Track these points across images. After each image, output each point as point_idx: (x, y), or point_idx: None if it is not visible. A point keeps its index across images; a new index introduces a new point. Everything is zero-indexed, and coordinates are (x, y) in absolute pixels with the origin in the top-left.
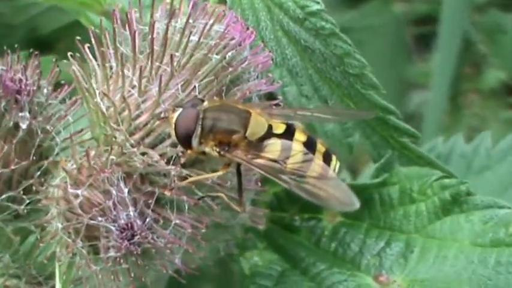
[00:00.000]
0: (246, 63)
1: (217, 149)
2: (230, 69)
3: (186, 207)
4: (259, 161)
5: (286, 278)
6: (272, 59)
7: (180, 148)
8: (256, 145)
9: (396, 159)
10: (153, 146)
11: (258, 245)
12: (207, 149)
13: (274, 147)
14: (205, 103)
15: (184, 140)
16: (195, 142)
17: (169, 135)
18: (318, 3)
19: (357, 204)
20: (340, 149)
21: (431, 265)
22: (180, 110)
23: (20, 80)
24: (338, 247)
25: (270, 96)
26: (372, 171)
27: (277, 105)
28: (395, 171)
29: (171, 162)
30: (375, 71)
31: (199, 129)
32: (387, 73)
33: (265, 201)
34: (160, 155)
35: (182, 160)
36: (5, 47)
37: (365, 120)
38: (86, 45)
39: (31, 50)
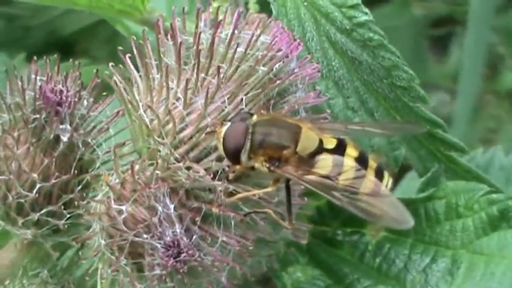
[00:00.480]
0: (294, 75)
1: (267, 165)
2: (277, 81)
3: (232, 224)
4: (310, 177)
5: None
6: (319, 71)
7: (225, 162)
8: (307, 161)
9: (442, 173)
10: (198, 160)
11: (300, 259)
12: (257, 165)
13: (325, 162)
14: (254, 117)
15: (233, 155)
16: (244, 157)
17: (214, 149)
18: (366, 13)
19: (411, 222)
20: (387, 162)
21: (478, 282)
22: (229, 124)
23: (61, 92)
24: (382, 263)
25: (316, 109)
26: (418, 185)
27: (325, 118)
28: (442, 185)
29: (217, 177)
30: None
31: (248, 144)
32: None
33: (307, 215)
34: (206, 170)
35: (230, 175)
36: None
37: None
38: (127, 56)
39: (71, 61)
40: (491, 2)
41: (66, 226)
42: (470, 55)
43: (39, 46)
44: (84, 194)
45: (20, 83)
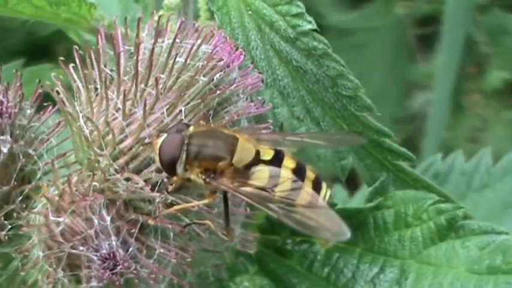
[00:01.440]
0: (235, 85)
1: (203, 176)
2: (218, 91)
3: (172, 235)
4: (246, 188)
5: None
6: (262, 80)
7: (165, 174)
8: (243, 172)
9: (391, 182)
10: (137, 172)
11: (249, 268)
12: (192, 176)
13: (262, 174)
14: (191, 128)
15: (169, 167)
16: (179, 169)
17: (154, 160)
18: (310, 22)
19: (347, 234)
20: (334, 172)
21: None
22: (165, 135)
23: (1, 102)
24: (331, 272)
25: (260, 119)
26: (366, 195)
27: (266, 128)
28: (390, 194)
29: (156, 188)
30: (378, 72)
31: (184, 155)
32: (390, 74)
33: (257, 224)
34: (145, 181)
35: (168, 187)
36: None
37: None
38: (71, 66)
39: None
40: (467, 2)
41: (7, 237)
42: (446, 53)
43: (19, 47)
44: (25, 205)
45: None
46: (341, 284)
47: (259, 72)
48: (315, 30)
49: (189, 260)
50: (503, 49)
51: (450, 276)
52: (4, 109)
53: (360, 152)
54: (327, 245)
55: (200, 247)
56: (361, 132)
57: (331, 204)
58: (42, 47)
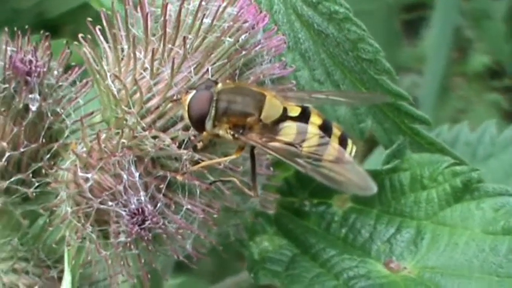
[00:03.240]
0: (260, 46)
1: (232, 132)
2: (243, 52)
3: (198, 192)
4: (274, 144)
5: (297, 263)
6: (285, 43)
7: (192, 132)
8: (271, 128)
9: (407, 145)
10: (164, 130)
11: (268, 230)
12: (221, 132)
13: (289, 130)
14: (219, 85)
15: (198, 123)
16: (208, 125)
17: (181, 119)
18: None
19: (374, 188)
20: (352, 134)
21: (442, 252)
22: (194, 92)
23: (30, 62)
24: (348, 233)
25: (283, 81)
26: (383, 157)
27: (290, 89)
28: (406, 157)
29: (183, 146)
30: None
31: (213, 111)
32: None
33: (275, 186)
34: (172, 139)
35: (197, 144)
36: (15, 29)
37: (377, 106)
38: (97, 27)
39: (42, 32)
40: None
41: (35, 194)
42: (437, 38)
43: (29, 28)
44: (53, 163)
45: None
46: (358, 244)
47: (282, 35)
48: None
49: (215, 216)
50: (486, 34)
51: (465, 237)
52: (33, 68)
53: (378, 115)
54: (344, 207)
55: (223, 206)
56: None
57: None
58: (51, 28)
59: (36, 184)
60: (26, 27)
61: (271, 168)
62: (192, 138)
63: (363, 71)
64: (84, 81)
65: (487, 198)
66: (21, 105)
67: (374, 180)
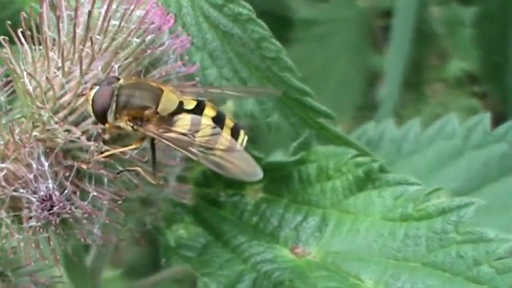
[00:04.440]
0: (165, 46)
1: (131, 124)
2: (149, 51)
3: (106, 181)
4: (169, 134)
5: (209, 249)
6: (193, 43)
7: (101, 126)
8: (167, 120)
9: (314, 138)
10: (76, 124)
11: (185, 219)
12: (122, 124)
13: (183, 121)
14: (121, 81)
15: (101, 115)
16: (110, 117)
17: (91, 114)
18: None
19: (260, 174)
20: (261, 128)
21: (344, 238)
22: (97, 87)
23: None
24: (259, 221)
25: (191, 79)
26: (290, 150)
27: (194, 85)
28: (313, 149)
29: (92, 139)
30: (342, 61)
31: (114, 105)
32: (353, 63)
33: (192, 178)
34: (83, 132)
35: (103, 136)
36: None
37: (283, 101)
38: (19, 30)
39: None
40: None
41: None
42: (395, 46)
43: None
44: None
45: None
46: (268, 231)
47: (189, 36)
48: None
49: (120, 203)
50: (460, 41)
51: (367, 223)
52: None
53: (284, 110)
54: (256, 197)
55: (138, 196)
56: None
57: (252, 153)
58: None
59: None
60: None
61: (184, 162)
62: (101, 131)
63: (268, 68)
64: (5, 80)
65: (387, 187)
66: None
67: (282, 171)
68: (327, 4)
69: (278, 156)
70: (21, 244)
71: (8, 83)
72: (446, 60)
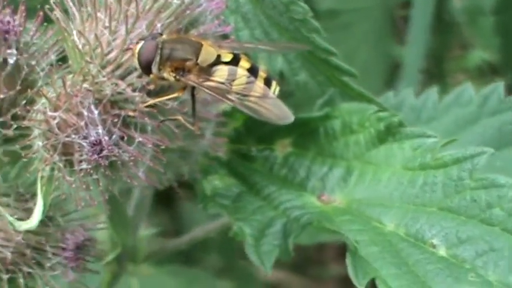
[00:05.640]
0: (202, 7)
1: (174, 74)
2: (188, 11)
3: (149, 129)
4: (209, 83)
5: (242, 198)
6: (226, 6)
7: (145, 79)
8: (207, 70)
9: (339, 96)
10: (122, 78)
11: (220, 171)
12: (165, 75)
13: (221, 72)
14: (164, 36)
15: (146, 67)
16: (154, 69)
17: (135, 69)
18: None
19: (291, 117)
20: (289, 86)
21: (367, 186)
22: (142, 42)
23: (8, 22)
24: (288, 173)
25: (226, 39)
26: (316, 106)
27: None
28: (337, 106)
29: (137, 91)
30: (364, 50)
31: (158, 57)
32: (375, 51)
33: (226, 134)
34: (128, 85)
35: (148, 87)
36: None
37: (310, 60)
38: None
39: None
40: None
41: (14, 135)
42: (414, 38)
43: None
44: (29, 108)
45: None
46: (296, 182)
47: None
48: None
49: (163, 147)
50: (481, 30)
51: (388, 173)
52: (11, 27)
53: (311, 69)
54: (284, 151)
55: (176, 147)
56: (311, 50)
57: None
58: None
59: (15, 126)
60: None
61: (220, 117)
62: (145, 84)
63: (296, 29)
64: (55, 39)
65: (406, 139)
66: (0, 59)
67: (309, 126)
68: None
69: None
70: (73, 185)
71: (57, 42)
72: (469, 50)
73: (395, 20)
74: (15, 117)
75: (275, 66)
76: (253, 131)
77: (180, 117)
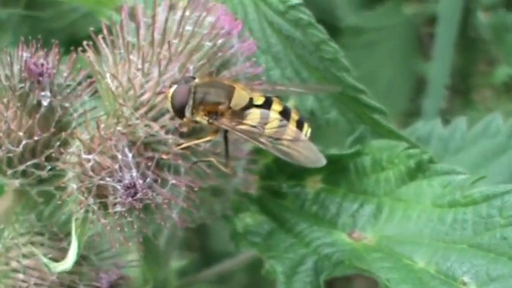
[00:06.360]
0: (234, 49)
1: (207, 118)
2: (220, 54)
3: (182, 171)
4: (241, 127)
5: (274, 235)
6: (257, 46)
7: (177, 121)
8: (239, 114)
9: (369, 133)
10: (155, 120)
11: (251, 208)
12: (198, 118)
13: (254, 115)
14: (197, 80)
15: (179, 111)
16: (187, 112)
17: (168, 111)
18: None
19: (323, 161)
20: (320, 124)
21: (397, 224)
22: (175, 86)
23: (42, 64)
24: (319, 209)
25: (256, 79)
26: (347, 143)
27: (260, 84)
28: (367, 143)
29: (170, 133)
30: (389, 68)
31: (191, 101)
32: (400, 70)
33: (256, 170)
34: (161, 127)
35: (180, 130)
36: (29, 37)
37: (340, 99)
38: (100, 36)
39: (53, 41)
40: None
41: (48, 176)
42: (439, 54)
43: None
44: (62, 150)
45: (8, 58)
46: (327, 218)
47: (255, 40)
48: (300, 4)
49: (196, 190)
50: (507, 46)
51: (418, 210)
52: (45, 70)
53: (341, 107)
54: (315, 187)
55: (208, 185)
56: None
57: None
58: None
59: (49, 167)
60: (39, 36)
61: (250, 155)
62: (178, 126)
63: (326, 69)
64: (89, 81)
65: (436, 176)
66: (35, 101)
67: (340, 163)
68: (374, 12)
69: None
70: (107, 227)
71: (90, 84)
72: (496, 66)
73: (421, 37)
74: (49, 159)
75: (306, 104)
76: (283, 168)
77: (213, 159)
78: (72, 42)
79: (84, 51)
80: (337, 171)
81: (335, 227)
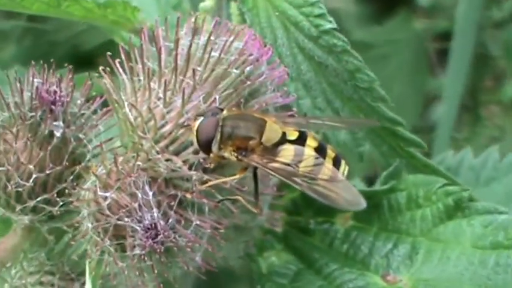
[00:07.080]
0: (263, 77)
1: (235, 154)
2: (248, 82)
3: (207, 210)
4: (273, 164)
5: (301, 276)
6: (288, 74)
7: (201, 155)
8: (271, 150)
9: (404, 167)
10: (177, 153)
11: (276, 246)
12: (226, 154)
13: (287, 152)
14: (225, 112)
15: (205, 146)
16: (214, 148)
17: (192, 143)
18: (331, 22)
19: (363, 204)
20: (352, 158)
21: (435, 266)
22: (201, 118)
23: (55, 92)
24: (349, 249)
25: (286, 109)
26: (381, 179)
27: (291, 116)
28: (403, 178)
29: (193, 168)
30: (398, 83)
31: (218, 135)
32: (409, 85)
33: (282, 205)
34: (184, 161)
35: (205, 165)
36: (41, 62)
37: (374, 131)
38: (117, 61)
39: (66, 65)
40: (474, 20)
41: (60, 212)
42: (454, 69)
43: (64, 60)
44: (76, 184)
45: (18, 84)
46: (359, 258)
47: (285, 67)
48: (335, 29)
49: (222, 231)
50: None
51: (457, 252)
52: (57, 98)
53: (375, 139)
54: (346, 224)
55: (232, 223)
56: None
57: None
58: (85, 59)
59: (61, 203)
60: (51, 60)
61: (276, 189)
62: (202, 161)
63: (361, 98)
64: (105, 109)
65: (477, 215)
66: (46, 132)
67: (373, 199)
68: (383, 27)
69: (357, 184)
70: (125, 272)
71: (106, 113)
72: (503, 82)
73: (428, 53)
74: (61, 194)
75: (338, 137)
76: (311, 202)
77: (240, 198)
78: (75, 54)
79: (100, 76)
80: (369, 207)
81: (367, 268)
